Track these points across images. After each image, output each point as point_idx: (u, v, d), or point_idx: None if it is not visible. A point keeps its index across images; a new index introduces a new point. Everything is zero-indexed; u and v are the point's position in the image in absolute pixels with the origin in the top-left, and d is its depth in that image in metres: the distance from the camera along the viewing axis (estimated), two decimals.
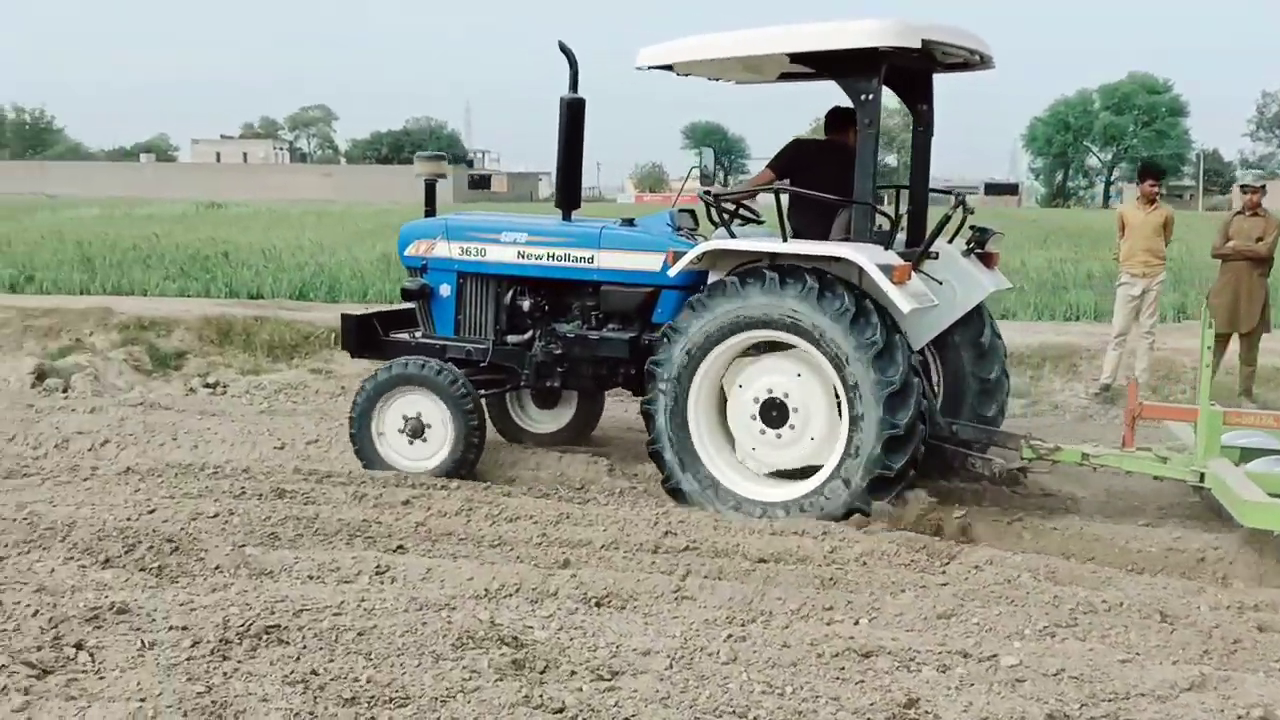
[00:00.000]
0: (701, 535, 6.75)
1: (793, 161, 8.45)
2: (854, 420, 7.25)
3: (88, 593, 5.59)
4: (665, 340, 7.71)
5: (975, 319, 8.37)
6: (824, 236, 7.96)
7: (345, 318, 9.42)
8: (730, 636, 5.20)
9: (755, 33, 7.76)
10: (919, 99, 8.38)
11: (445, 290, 8.99)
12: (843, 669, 4.87)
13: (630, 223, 8.59)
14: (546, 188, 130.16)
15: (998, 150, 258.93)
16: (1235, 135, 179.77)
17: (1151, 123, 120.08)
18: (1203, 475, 7.23)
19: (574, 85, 8.36)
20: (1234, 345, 11.41)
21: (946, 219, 8.09)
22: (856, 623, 5.47)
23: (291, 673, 4.69)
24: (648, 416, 7.79)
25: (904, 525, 7.10)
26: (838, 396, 7.38)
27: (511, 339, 8.81)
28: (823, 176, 7.99)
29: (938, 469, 8.10)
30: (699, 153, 8.65)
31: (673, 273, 7.88)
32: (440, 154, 10.19)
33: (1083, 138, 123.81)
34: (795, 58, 7.77)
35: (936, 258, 8.03)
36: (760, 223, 8.69)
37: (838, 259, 7.43)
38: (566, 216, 8.66)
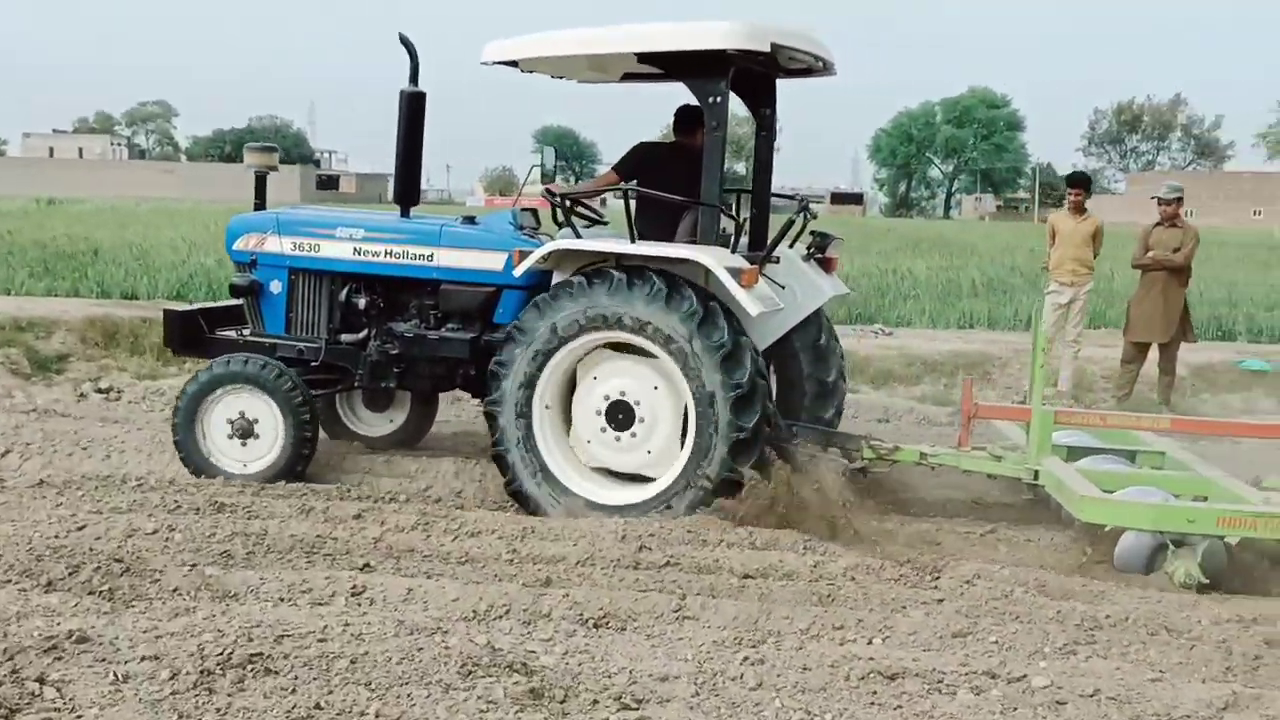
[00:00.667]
0: (676, 551, 6.50)
1: (638, 163, 8.35)
2: (700, 423, 7.15)
3: (35, 620, 5.12)
4: (510, 340, 7.53)
5: (813, 323, 8.41)
6: (669, 239, 7.86)
7: (168, 313, 8.98)
8: (746, 659, 4.96)
9: (603, 31, 7.61)
10: (762, 103, 8.37)
11: (276, 286, 8.65)
12: (874, 693, 4.67)
13: (471, 221, 8.41)
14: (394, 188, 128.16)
15: (842, 160, 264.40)
16: (1069, 150, 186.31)
17: (991, 136, 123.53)
18: (1037, 473, 7.39)
19: (414, 79, 8.12)
20: (1153, 355, 11.58)
21: (790, 224, 8.02)
22: (870, 642, 5.28)
23: (294, 707, 4.36)
24: (491, 418, 7.60)
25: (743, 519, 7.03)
26: (678, 388, 7.28)
27: (346, 338, 8.54)
28: (668, 178, 7.89)
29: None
30: (539, 151, 8.54)
31: (518, 272, 7.68)
32: (271, 145, 9.68)
33: (925, 149, 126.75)
34: (643, 58, 7.64)
35: (778, 262, 7.96)
36: (604, 223, 8.58)
37: (685, 261, 7.31)
38: (405, 213, 8.45)
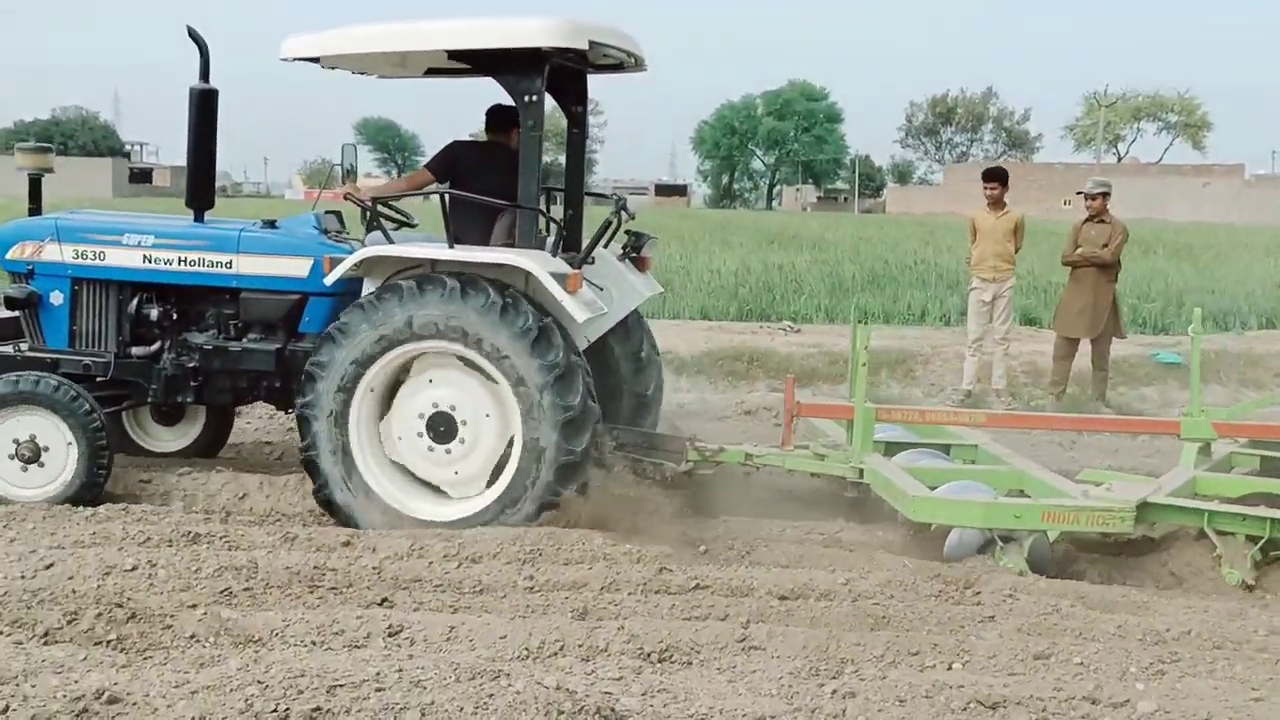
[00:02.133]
0: (699, 572, 6.21)
1: (452, 163, 8.10)
2: (527, 444, 6.98)
3: (47, 677, 4.64)
4: (330, 342, 7.14)
5: (635, 334, 8.35)
6: (485, 241, 7.66)
7: None
8: (835, 693, 4.72)
9: (412, 27, 7.31)
10: (574, 100, 8.15)
11: (57, 298, 8.02)
12: None
13: (272, 224, 7.97)
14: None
15: (660, 153, 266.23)
16: (887, 141, 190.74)
17: (811, 128, 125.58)
18: (861, 471, 7.42)
19: (205, 75, 7.64)
20: (1084, 349, 11.66)
21: (609, 224, 7.86)
22: (950, 667, 5.09)
23: None
24: (304, 421, 7.20)
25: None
26: (502, 395, 7.07)
27: (137, 351, 8.01)
28: (483, 179, 7.69)
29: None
30: (341, 149, 8.02)
31: (330, 280, 7.34)
32: (46, 145, 9.07)
33: (748, 141, 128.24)
34: (454, 55, 7.39)
35: (593, 263, 7.80)
36: (413, 225, 8.27)
37: (503, 266, 7.10)
38: (199, 217, 7.96)
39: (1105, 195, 11.80)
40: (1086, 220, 11.93)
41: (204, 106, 7.57)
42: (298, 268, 7.66)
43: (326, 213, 8.11)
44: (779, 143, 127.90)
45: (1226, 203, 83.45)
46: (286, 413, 8.67)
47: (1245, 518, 6.76)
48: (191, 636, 5.13)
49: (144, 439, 8.94)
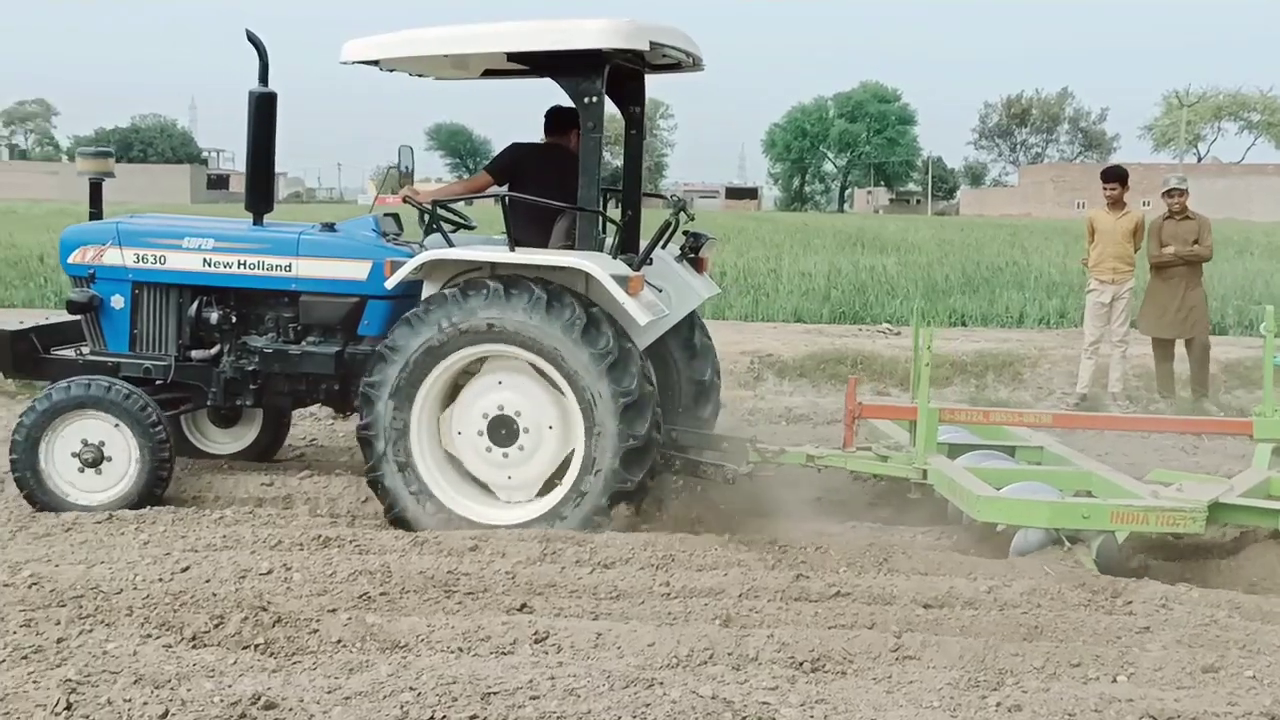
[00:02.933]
0: (837, 579, 6.09)
1: (511, 165, 8.06)
2: (590, 434, 6.90)
3: (201, 681, 4.62)
4: (381, 360, 7.09)
5: (686, 325, 8.19)
6: (544, 244, 7.56)
7: None
8: (999, 705, 4.58)
9: (472, 29, 7.25)
10: (632, 101, 8.03)
11: (118, 302, 8.02)
12: None
13: (330, 227, 7.93)
14: (285, 187, 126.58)
15: (730, 155, 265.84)
16: (960, 143, 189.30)
17: (883, 130, 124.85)
18: (925, 472, 7.33)
19: (264, 78, 7.60)
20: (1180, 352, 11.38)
21: (669, 225, 7.77)
22: (1114, 680, 4.92)
23: None
24: (365, 443, 7.13)
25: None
26: (561, 393, 6.99)
27: (197, 354, 7.98)
28: (542, 181, 7.62)
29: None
30: (398, 151, 7.94)
31: (391, 283, 7.26)
32: (106, 150, 9.04)
33: (819, 143, 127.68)
34: (514, 57, 7.28)
35: (651, 264, 7.66)
36: (471, 228, 8.15)
37: (564, 268, 7.00)
38: (258, 221, 7.93)
39: (1186, 191, 11.55)
40: (1168, 218, 11.65)
41: (263, 110, 7.57)
42: (357, 270, 7.63)
43: (385, 215, 8.07)
44: (850, 145, 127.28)
45: None
46: (345, 416, 8.68)
47: None
48: (338, 641, 5.11)
49: (201, 441, 8.91)
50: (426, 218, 7.50)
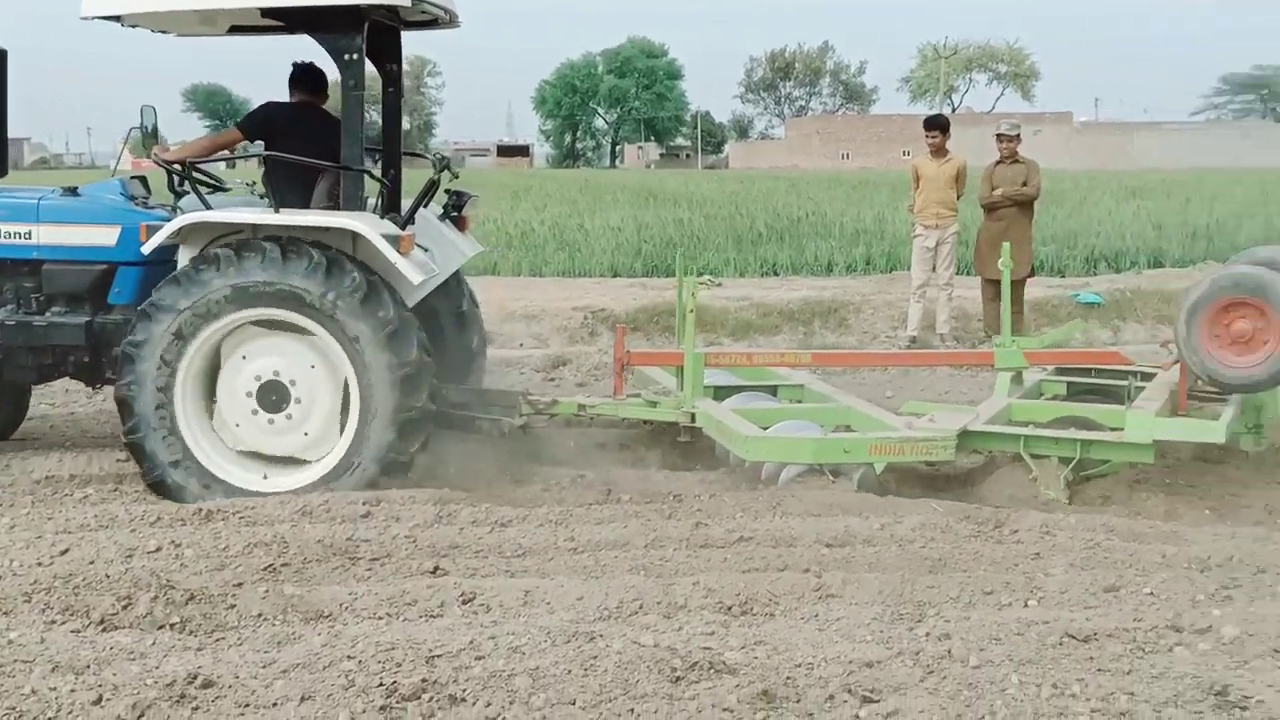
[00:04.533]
0: (736, 524, 6.19)
1: (265, 125, 7.79)
2: (365, 404, 6.87)
3: (125, 664, 4.49)
4: (146, 318, 6.86)
5: (455, 291, 8.33)
6: (305, 205, 7.46)
7: None
8: (930, 635, 4.76)
9: None
10: (388, 58, 7.97)
11: None
12: (1091, 658, 4.55)
13: (73, 191, 7.67)
14: (29, 153, 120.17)
15: (501, 113, 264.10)
16: (727, 97, 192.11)
17: (652, 85, 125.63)
18: (694, 415, 7.61)
19: None
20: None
21: (433, 183, 7.75)
22: (1026, 604, 5.16)
23: None
24: (124, 403, 6.92)
25: None
26: (339, 367, 6.96)
27: None
28: (297, 141, 7.47)
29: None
30: (140, 110, 7.69)
31: (148, 248, 7.02)
32: None
33: (589, 100, 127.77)
34: (268, 13, 7.12)
35: (415, 223, 7.65)
36: (226, 190, 8.06)
37: (331, 229, 6.96)
38: None
39: (1018, 137, 11.99)
40: (999, 162, 12.07)
41: None
42: (105, 236, 7.34)
43: (132, 178, 7.79)
44: (620, 101, 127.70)
45: (1057, 150, 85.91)
46: (95, 389, 8.43)
47: (1058, 441, 7.18)
48: (259, 615, 4.97)
49: None
50: (178, 179, 7.24)
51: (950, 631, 4.77)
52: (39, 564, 5.53)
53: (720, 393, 8.17)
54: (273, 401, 6.92)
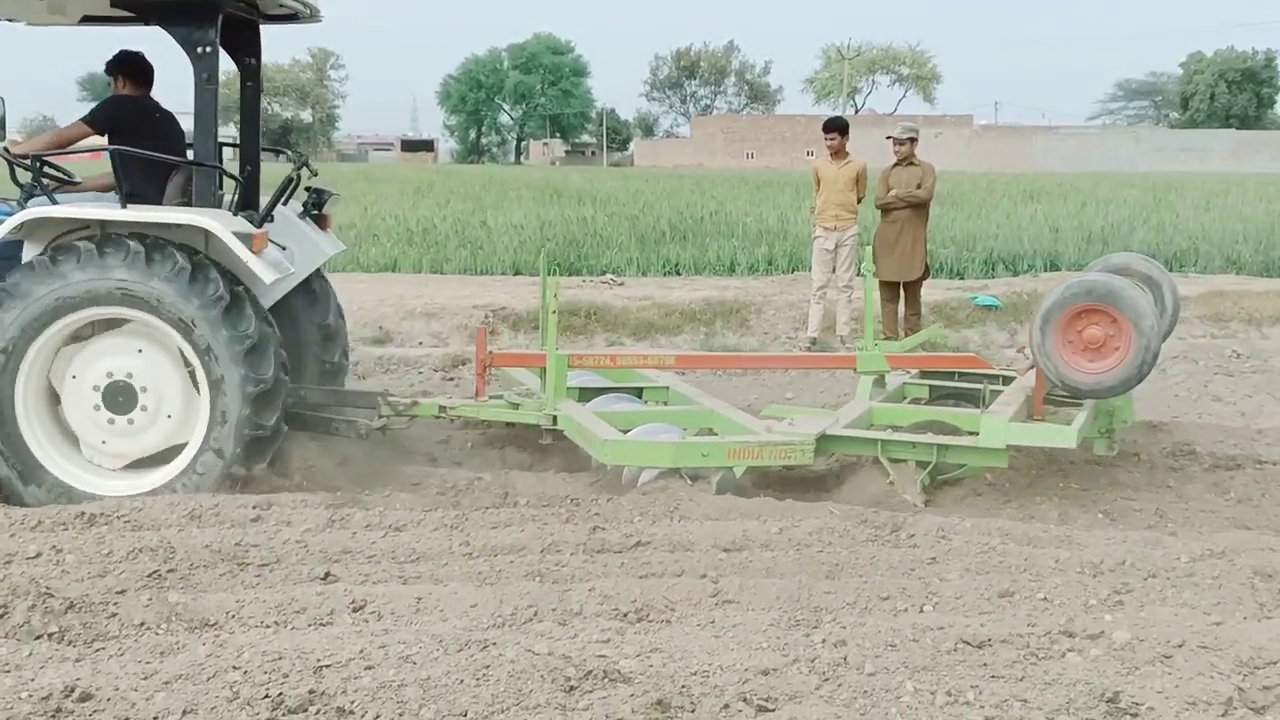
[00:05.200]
0: (633, 528, 6.14)
1: (116, 119, 7.59)
2: (213, 385, 6.77)
3: (0, 676, 4.24)
4: None
5: (321, 301, 8.26)
6: (157, 200, 7.35)
7: None
8: (825, 641, 4.73)
9: None
10: (247, 52, 7.89)
11: None
12: (985, 664, 4.54)
13: None
14: None
15: (404, 108, 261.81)
16: (634, 95, 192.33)
17: (557, 82, 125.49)
18: (555, 418, 7.62)
19: None
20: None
21: (290, 180, 7.78)
22: (922, 610, 5.17)
23: None
24: None
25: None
26: (189, 365, 6.89)
27: None
28: (149, 135, 7.39)
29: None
30: None
31: None
32: None
33: (494, 95, 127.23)
34: (118, 3, 7.05)
35: (273, 221, 7.65)
36: (76, 183, 7.89)
37: (182, 226, 6.86)
38: None
39: (913, 140, 12.02)
40: (896, 165, 12.08)
41: None
42: None
43: None
44: (525, 96, 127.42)
45: (958, 152, 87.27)
46: None
47: (915, 445, 7.26)
48: (141, 624, 4.82)
49: None
50: (27, 173, 7.06)
51: (846, 638, 4.75)
52: None
53: (587, 394, 8.16)
54: (119, 403, 6.78)
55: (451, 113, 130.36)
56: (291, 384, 7.23)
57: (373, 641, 4.55)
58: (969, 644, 4.70)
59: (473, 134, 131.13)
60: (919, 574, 5.56)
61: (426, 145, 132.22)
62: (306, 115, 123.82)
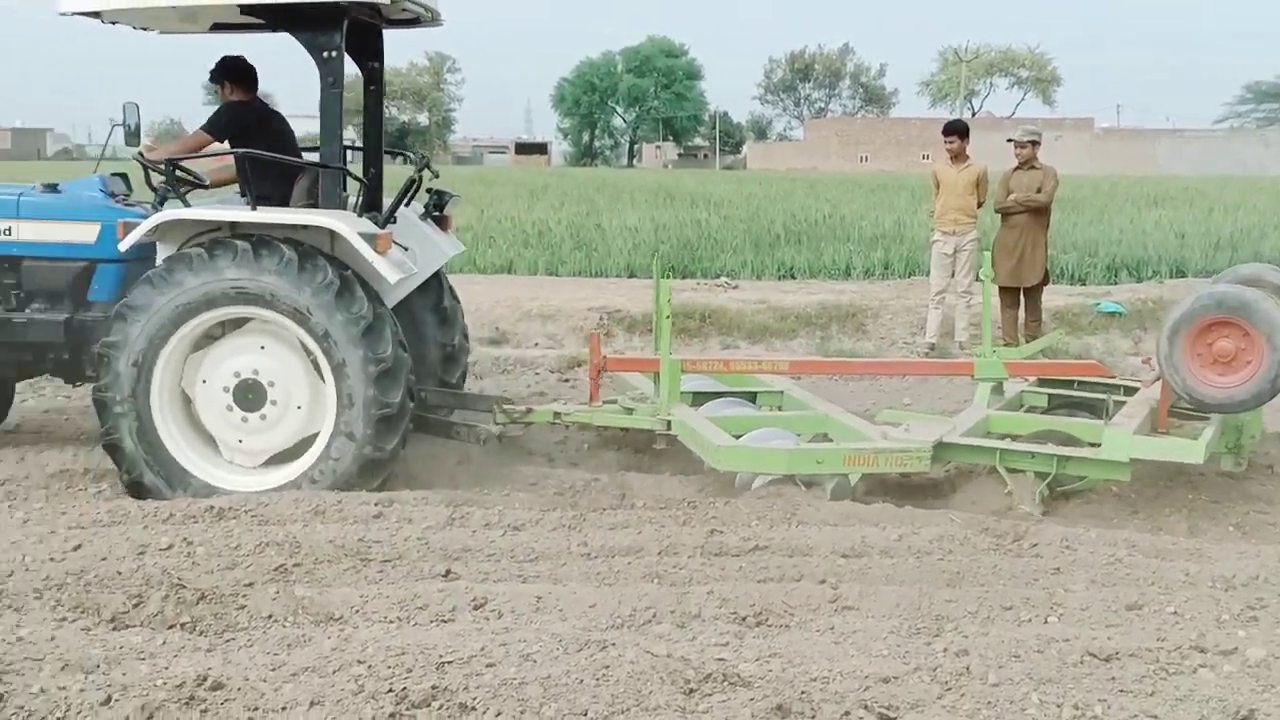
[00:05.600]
0: (752, 532, 6.12)
1: (233, 125, 7.69)
2: (336, 369, 6.81)
3: (135, 664, 4.43)
4: (120, 319, 6.83)
5: (434, 286, 8.28)
6: (284, 202, 7.44)
7: None
8: (947, 650, 4.69)
9: None
10: (370, 56, 7.97)
11: None
12: (1113, 678, 4.47)
13: (54, 188, 7.67)
14: (51, 143, 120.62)
15: (519, 110, 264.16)
16: (746, 98, 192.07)
17: (671, 85, 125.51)
18: (669, 423, 7.58)
19: None
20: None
21: (413, 182, 7.78)
22: (1046, 621, 5.08)
23: None
24: (101, 405, 6.89)
25: None
26: (310, 354, 6.92)
27: None
28: (270, 138, 7.52)
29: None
30: (123, 108, 7.64)
31: (125, 245, 6.99)
32: None
33: (608, 98, 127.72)
34: (248, 9, 7.09)
35: (395, 222, 7.65)
36: (205, 186, 7.94)
37: (309, 227, 6.93)
38: None
39: (1035, 143, 11.80)
40: (1016, 168, 11.87)
41: None
42: (84, 233, 7.36)
43: (112, 175, 7.78)
44: (639, 100, 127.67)
45: (1079, 156, 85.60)
46: (75, 386, 8.38)
47: (1034, 455, 7.09)
48: (269, 616, 4.93)
49: None
50: (155, 177, 7.23)
51: (969, 647, 4.70)
52: (51, 559, 5.50)
53: (700, 399, 8.13)
54: (250, 400, 6.90)
55: (565, 116, 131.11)
56: (416, 386, 7.28)
57: (493, 639, 4.60)
58: (1096, 657, 4.62)
59: (586, 137, 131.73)
60: (1043, 584, 5.47)
61: (540, 148, 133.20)
62: (423, 118, 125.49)
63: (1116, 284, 16.60)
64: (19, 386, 8.78)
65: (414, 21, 7.72)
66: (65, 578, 5.18)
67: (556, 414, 7.84)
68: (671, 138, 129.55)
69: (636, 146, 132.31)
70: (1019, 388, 8.36)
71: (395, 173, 8.30)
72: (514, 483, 7.47)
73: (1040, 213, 11.59)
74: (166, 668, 4.34)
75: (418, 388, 7.44)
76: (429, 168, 7.84)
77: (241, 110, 7.77)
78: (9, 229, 7.31)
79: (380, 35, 7.87)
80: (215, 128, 7.58)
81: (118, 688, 4.12)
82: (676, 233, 20.05)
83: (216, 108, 7.82)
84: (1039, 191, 11.52)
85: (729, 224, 21.90)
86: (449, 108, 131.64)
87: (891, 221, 22.45)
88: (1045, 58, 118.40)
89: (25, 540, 5.76)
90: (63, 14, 6.99)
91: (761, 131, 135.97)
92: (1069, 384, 8.46)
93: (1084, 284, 16.58)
